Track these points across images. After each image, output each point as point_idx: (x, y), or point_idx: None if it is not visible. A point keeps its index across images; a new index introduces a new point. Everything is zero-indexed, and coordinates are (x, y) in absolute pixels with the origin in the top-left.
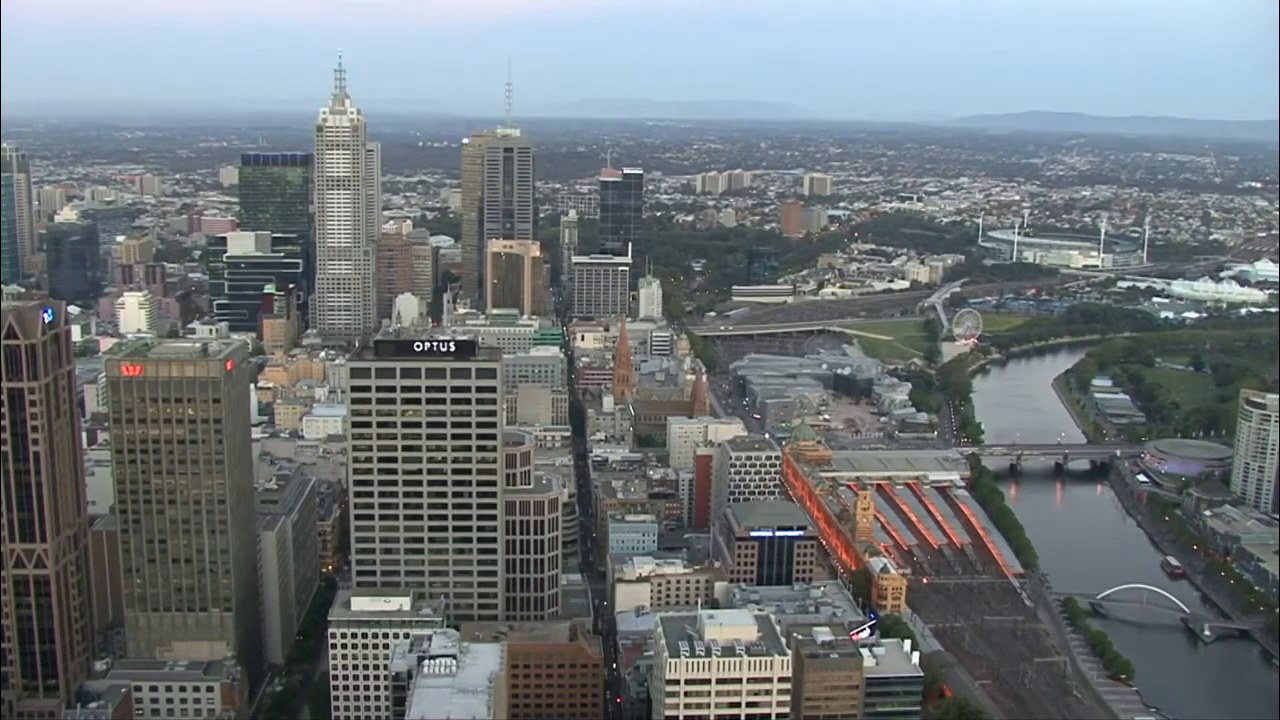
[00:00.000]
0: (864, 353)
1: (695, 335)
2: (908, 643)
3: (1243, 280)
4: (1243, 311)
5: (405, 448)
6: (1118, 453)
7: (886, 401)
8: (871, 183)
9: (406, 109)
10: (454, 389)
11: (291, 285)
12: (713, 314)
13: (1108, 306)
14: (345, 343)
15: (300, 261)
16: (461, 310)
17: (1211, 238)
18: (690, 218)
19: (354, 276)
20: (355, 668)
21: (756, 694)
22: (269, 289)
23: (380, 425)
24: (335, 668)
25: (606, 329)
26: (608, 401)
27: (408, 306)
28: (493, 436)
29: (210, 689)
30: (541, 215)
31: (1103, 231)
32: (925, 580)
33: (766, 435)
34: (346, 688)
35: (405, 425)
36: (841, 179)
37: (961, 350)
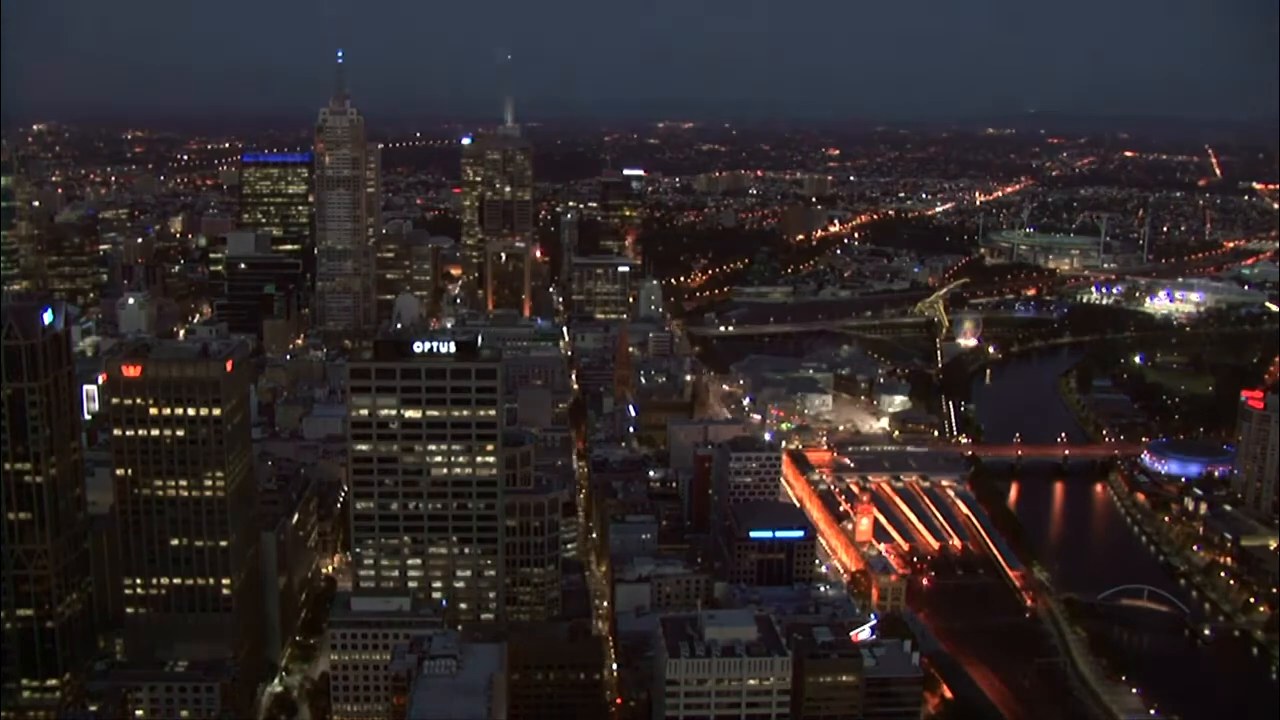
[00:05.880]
0: (864, 353)
1: (695, 335)
2: (908, 643)
3: (1243, 280)
4: (1243, 311)
5: (405, 448)
6: (1118, 453)
7: (886, 401)
8: (872, 183)
9: (406, 109)
10: (454, 389)
11: (291, 285)
12: (713, 314)
13: (1108, 306)
14: (345, 343)
15: (300, 261)
16: (462, 310)
17: (1211, 238)
18: (690, 218)
19: (354, 277)
20: (355, 668)
21: (756, 694)
22: (269, 289)
23: (380, 425)
24: (335, 668)
25: (606, 329)
26: (608, 402)
27: (408, 306)
28: (493, 437)
29: (210, 689)
30: (541, 215)
31: (1103, 231)
32: (925, 581)
33: (767, 435)
34: (346, 688)
35: (405, 425)
36: (842, 179)
37: (961, 350)
